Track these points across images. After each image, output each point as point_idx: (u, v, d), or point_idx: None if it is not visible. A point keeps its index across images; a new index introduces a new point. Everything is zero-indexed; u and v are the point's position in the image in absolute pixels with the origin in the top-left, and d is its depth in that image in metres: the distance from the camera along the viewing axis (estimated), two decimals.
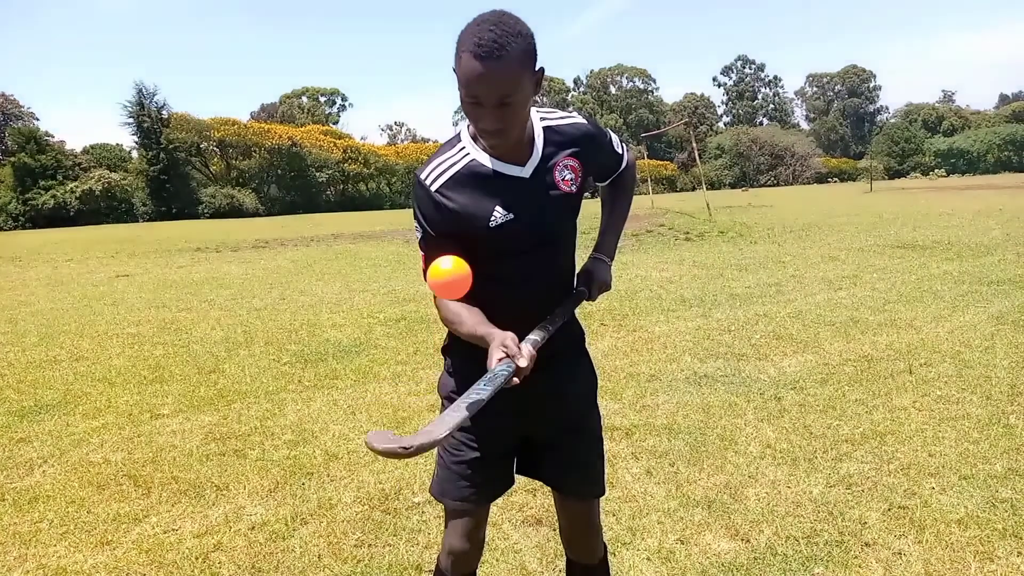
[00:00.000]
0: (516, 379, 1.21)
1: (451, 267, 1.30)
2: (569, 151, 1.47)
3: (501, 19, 1.25)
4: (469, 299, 1.46)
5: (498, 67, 1.22)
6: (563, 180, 1.46)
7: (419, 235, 1.46)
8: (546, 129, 1.46)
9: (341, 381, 4.56)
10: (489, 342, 1.28)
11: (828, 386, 4.00)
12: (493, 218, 1.40)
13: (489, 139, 1.35)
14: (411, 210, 1.51)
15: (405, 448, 1.04)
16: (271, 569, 2.37)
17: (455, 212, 1.40)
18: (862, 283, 7.33)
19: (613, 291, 7.41)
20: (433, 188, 1.40)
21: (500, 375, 1.19)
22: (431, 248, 1.44)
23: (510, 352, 1.22)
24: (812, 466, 2.97)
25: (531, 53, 1.27)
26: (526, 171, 1.43)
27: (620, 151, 1.64)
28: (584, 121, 1.52)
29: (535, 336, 1.35)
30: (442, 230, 1.41)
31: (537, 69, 1.31)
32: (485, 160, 1.41)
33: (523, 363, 1.21)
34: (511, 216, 1.41)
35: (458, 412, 1.14)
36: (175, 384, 4.65)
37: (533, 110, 1.45)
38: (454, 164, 1.42)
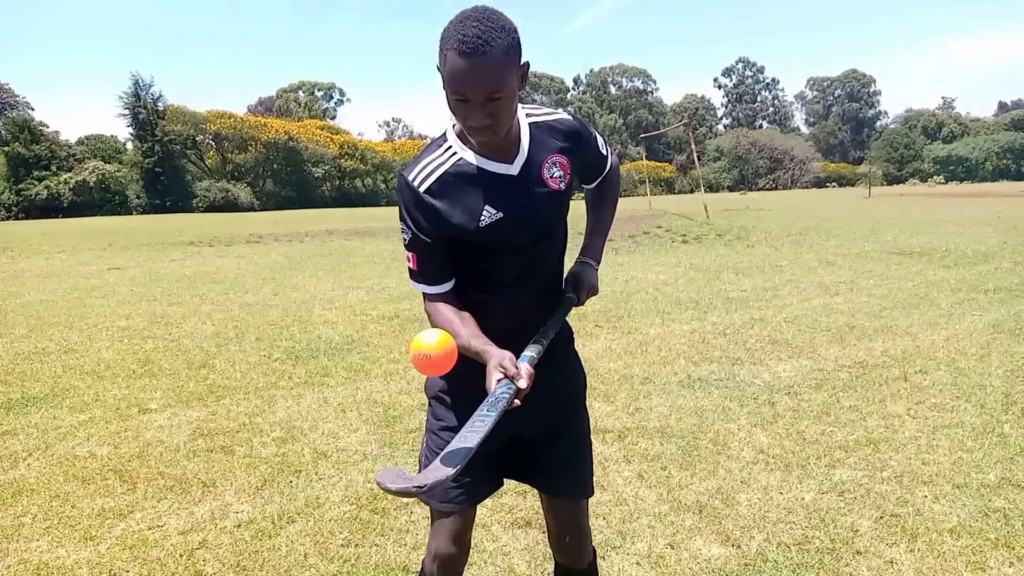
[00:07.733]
0: (517, 401, 1.20)
1: (436, 341, 1.22)
2: (557, 148, 1.45)
3: (484, 14, 1.23)
4: (461, 301, 1.44)
5: (483, 63, 1.20)
6: (551, 177, 1.44)
7: (407, 237, 1.42)
8: (532, 125, 1.44)
9: (332, 378, 4.52)
10: (486, 360, 1.26)
11: (822, 392, 3.99)
12: (482, 217, 1.38)
13: (478, 136, 1.32)
14: None
15: (419, 487, 1.05)
16: (256, 568, 2.34)
17: (444, 213, 1.37)
18: (859, 289, 7.32)
19: (608, 293, 7.41)
20: (421, 189, 1.38)
21: (502, 398, 1.18)
22: (420, 251, 1.41)
23: (508, 373, 1.21)
24: (805, 472, 2.95)
25: (515, 47, 1.25)
26: (514, 168, 1.40)
27: (605, 152, 1.62)
28: (570, 118, 1.50)
29: (531, 352, 1.32)
30: (431, 232, 1.39)
31: (522, 63, 1.29)
32: (472, 159, 1.39)
33: (523, 384, 1.20)
34: (500, 215, 1.38)
35: (466, 443, 1.12)
36: (164, 379, 4.60)
37: (518, 106, 1.42)
38: (441, 164, 1.39)
